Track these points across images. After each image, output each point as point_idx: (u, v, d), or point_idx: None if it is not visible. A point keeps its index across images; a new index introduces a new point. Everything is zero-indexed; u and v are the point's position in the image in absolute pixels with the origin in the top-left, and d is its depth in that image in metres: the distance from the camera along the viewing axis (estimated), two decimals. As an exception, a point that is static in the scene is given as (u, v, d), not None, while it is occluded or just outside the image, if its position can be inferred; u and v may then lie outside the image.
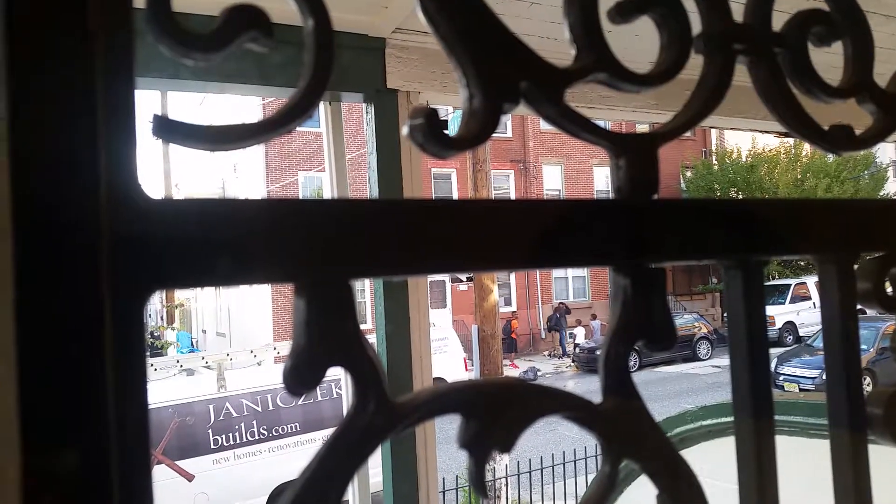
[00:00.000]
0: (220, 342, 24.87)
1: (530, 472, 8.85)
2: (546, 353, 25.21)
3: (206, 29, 0.38)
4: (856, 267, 0.61)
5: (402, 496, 2.25)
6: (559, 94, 0.48)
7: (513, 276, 25.10)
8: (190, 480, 8.88)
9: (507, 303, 25.22)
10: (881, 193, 27.04)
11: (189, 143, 0.38)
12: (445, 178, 25.10)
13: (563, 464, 8.93)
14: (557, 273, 25.86)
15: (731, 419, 0.57)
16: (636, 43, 0.90)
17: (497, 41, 0.46)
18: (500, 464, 9.44)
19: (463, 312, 22.76)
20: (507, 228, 0.45)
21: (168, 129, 0.37)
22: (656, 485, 0.49)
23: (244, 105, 19.10)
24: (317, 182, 21.70)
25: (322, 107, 2.36)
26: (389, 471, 2.26)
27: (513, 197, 24.67)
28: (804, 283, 23.74)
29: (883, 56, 0.58)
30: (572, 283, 27.29)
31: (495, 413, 0.42)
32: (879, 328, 14.21)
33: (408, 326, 2.27)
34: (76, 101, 0.32)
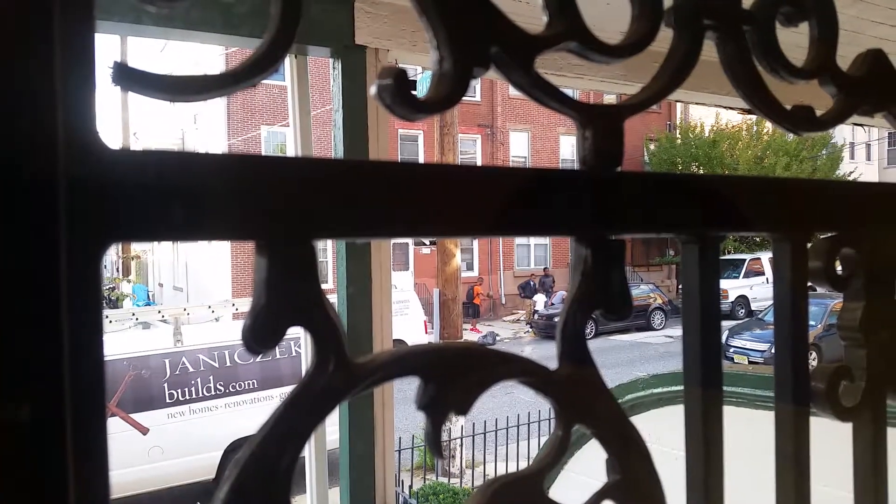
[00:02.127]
0: (177, 296, 24.56)
1: (485, 434, 9.01)
2: (506, 318, 25.46)
3: (171, -25, 0.37)
4: (809, 245, 0.63)
5: (358, 455, 2.27)
6: (529, 61, 0.47)
7: (476, 241, 25.16)
8: (144, 434, 8.83)
9: (470, 268, 25.33)
10: (837, 173, 27.69)
11: (150, 93, 0.37)
12: (412, 140, 24.89)
13: (518, 426, 9.10)
14: (520, 240, 25.99)
15: (681, 388, 0.59)
16: (607, 11, 0.90)
17: (469, 3, 0.45)
18: (456, 425, 9.58)
19: (425, 276, 22.80)
20: (473, 194, 0.45)
21: (128, 78, 0.36)
22: (606, 449, 0.50)
23: (207, 53, 18.57)
24: (280, 137, 21.31)
25: (288, 60, 2.31)
26: (346, 429, 2.27)
27: (479, 162, 24.64)
28: (758, 258, 24.31)
29: (846, 38, 0.59)
30: (534, 250, 27.49)
31: (453, 377, 0.43)
32: (827, 305, 14.65)
33: (369, 288, 2.26)
34: (31, 43, 0.30)
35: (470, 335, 21.16)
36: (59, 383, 0.31)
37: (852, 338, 0.67)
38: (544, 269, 26.24)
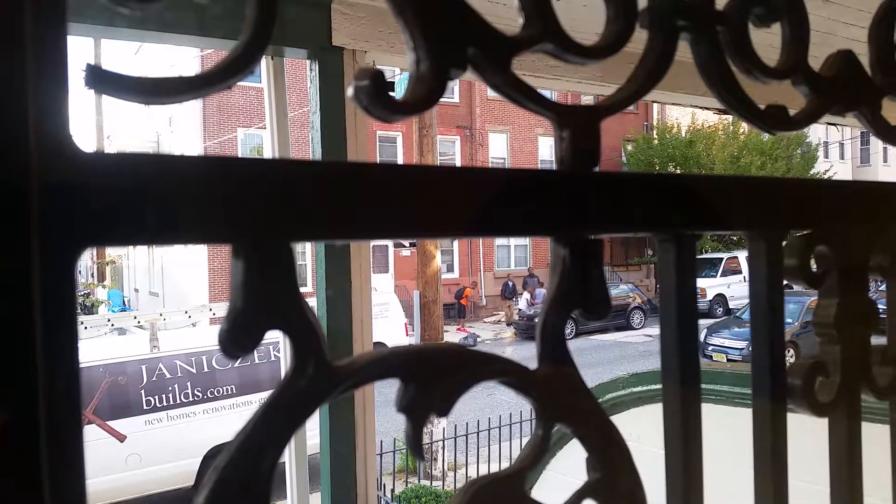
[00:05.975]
0: (153, 302, 24.29)
1: (467, 436, 9.01)
2: (487, 319, 25.49)
3: (144, -24, 0.37)
4: (784, 243, 0.64)
5: (339, 458, 2.26)
6: (506, 63, 0.48)
7: (456, 243, 25.18)
8: (121, 441, 8.73)
9: (450, 269, 25.34)
10: (811, 172, 28.07)
11: (123, 96, 0.36)
12: (391, 142, 24.86)
13: (499, 427, 9.11)
14: (500, 241, 26.07)
15: (660, 387, 0.60)
16: (584, 13, 0.91)
17: (446, 4, 0.45)
18: (438, 427, 9.58)
19: (405, 278, 22.76)
20: (451, 195, 0.45)
21: (101, 80, 0.35)
22: (587, 448, 0.50)
23: (182, 55, 18.40)
24: (257, 139, 21.18)
25: (264, 61, 2.30)
26: (327, 433, 2.26)
27: (458, 164, 24.67)
28: (736, 257, 24.56)
29: (818, 39, 0.59)
30: (514, 251, 27.57)
31: (433, 378, 0.43)
32: (804, 302, 14.83)
33: (349, 291, 2.25)
34: (2, 45, 0.30)
35: (456, 336, 21.18)
36: (33, 390, 0.30)
37: (827, 334, 0.68)
38: (528, 269, 26.33)
